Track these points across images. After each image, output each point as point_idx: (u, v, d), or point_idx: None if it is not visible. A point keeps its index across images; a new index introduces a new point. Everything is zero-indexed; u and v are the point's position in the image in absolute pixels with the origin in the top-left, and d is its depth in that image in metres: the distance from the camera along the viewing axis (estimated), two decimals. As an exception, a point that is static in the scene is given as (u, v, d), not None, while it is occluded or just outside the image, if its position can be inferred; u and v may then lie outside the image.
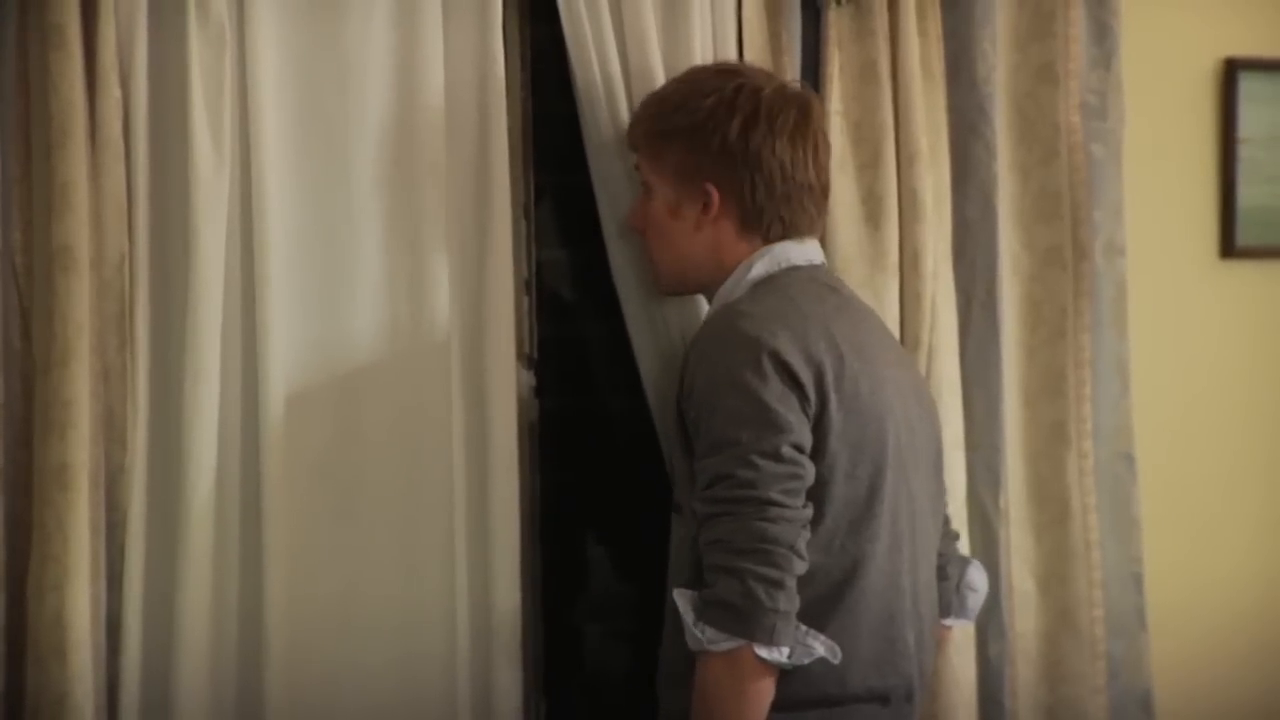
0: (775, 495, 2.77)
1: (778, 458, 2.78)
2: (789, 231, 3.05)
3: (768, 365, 2.82)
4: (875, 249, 3.44)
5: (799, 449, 2.81)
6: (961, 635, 3.46)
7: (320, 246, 3.22)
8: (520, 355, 3.37)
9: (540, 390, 3.47)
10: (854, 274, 3.39)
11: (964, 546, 3.43)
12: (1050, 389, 3.62)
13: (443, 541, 3.24)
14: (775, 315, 2.90)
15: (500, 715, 3.26)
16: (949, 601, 3.23)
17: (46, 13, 2.99)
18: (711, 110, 3.02)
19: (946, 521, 3.29)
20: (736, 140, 3.01)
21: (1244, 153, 3.86)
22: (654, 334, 3.33)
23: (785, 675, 2.82)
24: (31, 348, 3.05)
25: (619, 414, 3.49)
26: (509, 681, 3.26)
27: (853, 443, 2.88)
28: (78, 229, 2.99)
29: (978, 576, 3.28)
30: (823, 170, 3.08)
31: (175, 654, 3.10)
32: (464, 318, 3.27)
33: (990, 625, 3.53)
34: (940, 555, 3.19)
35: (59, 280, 2.99)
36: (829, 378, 2.86)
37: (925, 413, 3.12)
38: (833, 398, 2.86)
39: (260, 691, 3.16)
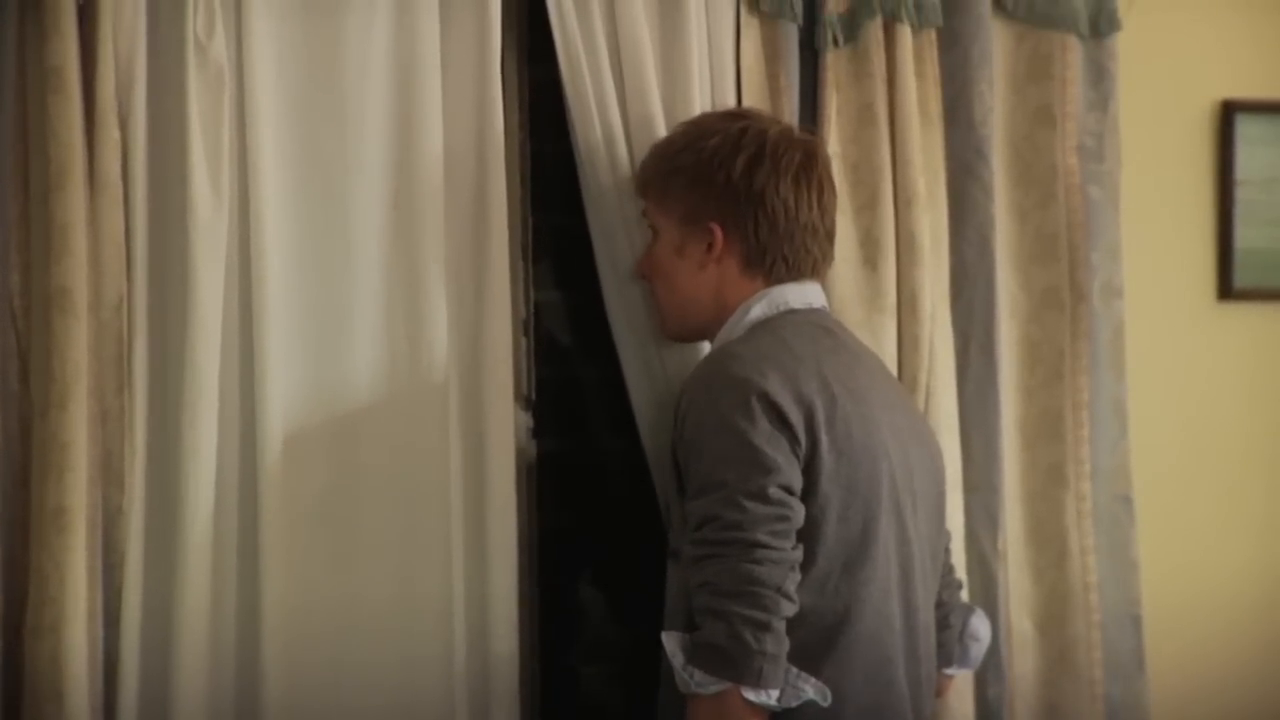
0: (762, 537, 2.76)
1: (765, 499, 2.77)
2: (792, 272, 3.06)
3: (756, 406, 2.82)
4: (873, 290, 3.44)
5: (788, 490, 2.81)
6: (961, 678, 3.45)
7: (318, 288, 3.22)
8: (518, 396, 3.37)
9: (538, 431, 3.47)
10: (851, 315, 3.39)
11: (963, 588, 3.42)
12: (1048, 431, 3.62)
13: (440, 583, 3.23)
14: (766, 356, 2.91)
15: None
16: (951, 650, 3.22)
17: (45, 56, 3.00)
18: (716, 149, 3.05)
19: (950, 570, 3.28)
20: (741, 178, 3.02)
21: (1241, 194, 3.86)
22: (650, 378, 3.34)
23: (778, 718, 2.82)
24: (29, 390, 3.04)
25: (616, 455, 3.48)
26: (506, 723, 3.27)
27: (845, 484, 2.88)
28: (76, 271, 2.99)
29: (981, 626, 3.27)
30: (827, 213, 3.09)
31: (172, 696, 3.09)
32: (462, 359, 3.27)
33: (989, 667, 3.52)
34: (942, 605, 3.18)
35: (57, 322, 2.99)
36: (820, 418, 2.86)
37: (927, 454, 3.12)
38: (824, 439, 2.86)
39: (257, 733, 3.16)
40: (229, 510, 3.16)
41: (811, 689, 2.81)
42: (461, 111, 3.26)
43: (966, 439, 3.54)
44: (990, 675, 3.54)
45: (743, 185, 3.03)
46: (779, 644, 2.76)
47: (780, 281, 3.06)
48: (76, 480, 2.97)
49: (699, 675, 2.77)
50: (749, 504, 2.77)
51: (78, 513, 2.97)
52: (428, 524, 3.24)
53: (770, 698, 2.78)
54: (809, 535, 2.84)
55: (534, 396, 3.45)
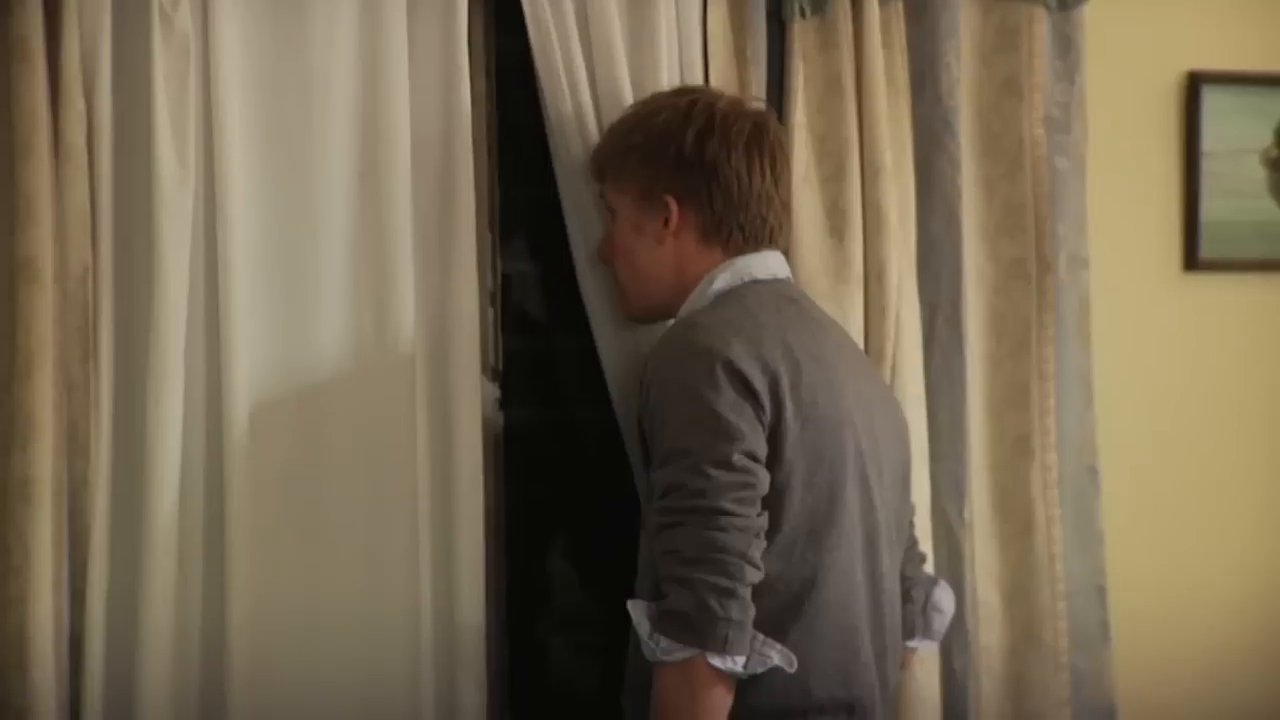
0: (727, 504, 2.76)
1: (729, 466, 2.78)
2: (749, 241, 3.05)
3: (721, 374, 2.82)
4: (839, 261, 3.44)
5: (752, 457, 2.81)
6: (926, 650, 3.46)
7: (284, 258, 3.22)
8: (485, 368, 3.37)
9: (505, 403, 3.47)
10: (818, 287, 3.39)
11: (928, 559, 3.43)
12: (1014, 401, 3.62)
13: (407, 554, 3.24)
14: (730, 325, 2.91)
15: (463, 728, 3.27)
16: (914, 623, 3.21)
17: (10, 25, 3.00)
18: (665, 124, 3.06)
19: (914, 543, 3.28)
20: (692, 150, 3.03)
21: (1207, 166, 3.86)
22: (622, 350, 3.34)
23: (746, 685, 2.82)
24: (-6, 361, 3.04)
25: (584, 426, 3.48)
26: (473, 695, 3.27)
27: (810, 451, 2.88)
28: (41, 241, 2.99)
29: (944, 598, 3.26)
30: (781, 181, 3.09)
31: (138, 667, 3.09)
32: (429, 330, 3.27)
33: (955, 639, 3.52)
34: (906, 578, 3.18)
35: (22, 293, 2.98)
36: (785, 385, 2.86)
37: (892, 425, 3.12)
38: (788, 406, 2.86)
39: (223, 704, 3.15)
40: (195, 482, 3.16)
41: (777, 655, 2.81)
42: (429, 82, 3.26)
43: (933, 409, 3.54)
44: (956, 646, 3.54)
45: (694, 157, 3.03)
46: (744, 611, 2.76)
47: (739, 251, 3.06)
48: (42, 451, 2.97)
49: (665, 643, 2.77)
50: (713, 471, 2.77)
51: (43, 483, 2.97)
52: (395, 495, 3.24)
53: (736, 664, 2.78)
54: (774, 502, 2.84)
55: (501, 368, 3.45)
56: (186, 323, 3.13)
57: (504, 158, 3.44)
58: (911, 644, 3.24)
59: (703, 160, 3.02)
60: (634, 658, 2.97)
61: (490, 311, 3.41)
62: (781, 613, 2.85)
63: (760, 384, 2.84)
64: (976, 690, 3.58)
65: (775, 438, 2.85)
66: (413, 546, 3.23)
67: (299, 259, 3.23)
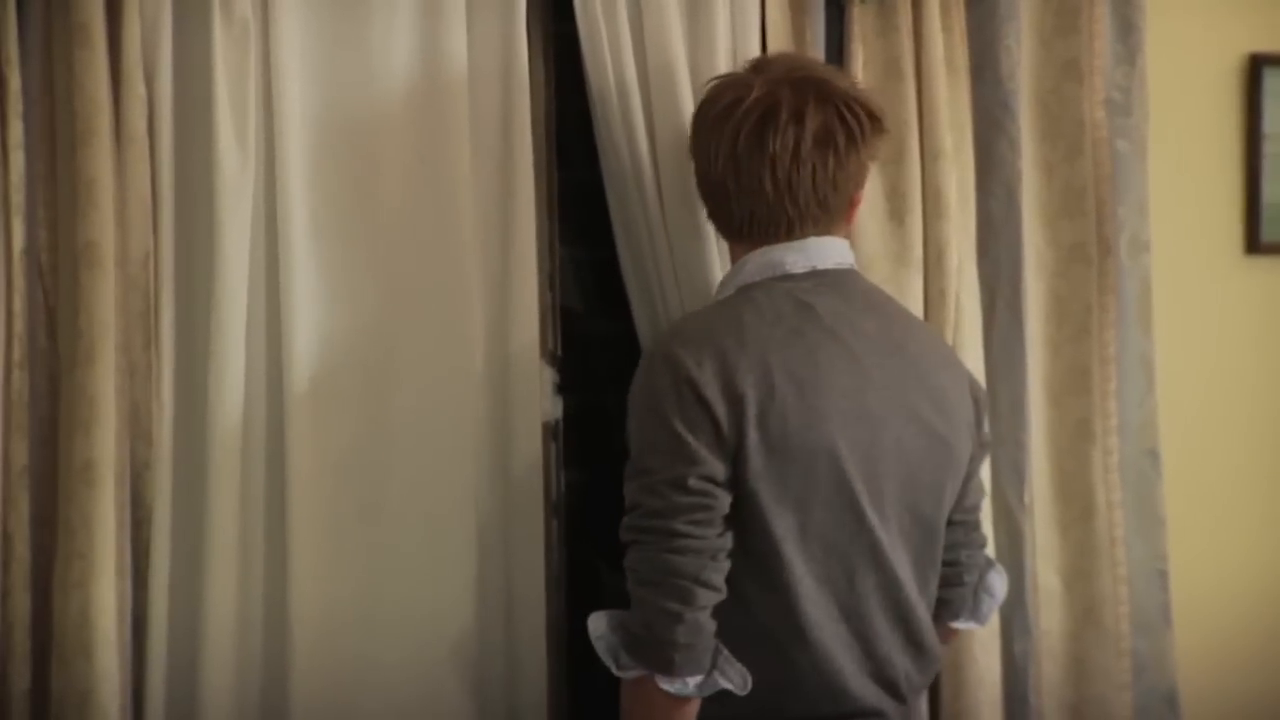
0: (680, 526, 2.75)
1: (685, 489, 2.76)
2: (766, 236, 3.00)
3: (686, 394, 2.80)
4: (899, 245, 3.44)
5: (710, 480, 2.78)
6: (987, 633, 3.46)
7: (344, 242, 3.22)
8: (544, 352, 3.37)
9: (563, 387, 3.47)
10: (878, 270, 3.39)
11: (986, 546, 3.41)
12: (1075, 386, 3.61)
13: (466, 539, 3.25)
14: (709, 340, 2.86)
15: (525, 712, 3.28)
16: (961, 605, 3.18)
17: (72, 11, 3.00)
18: (702, 147, 3.04)
19: (975, 526, 3.22)
20: (711, 168, 3.01)
21: (1268, 148, 3.85)
22: (657, 333, 3.33)
23: (724, 698, 2.82)
24: (57, 345, 3.05)
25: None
26: (534, 678, 3.28)
27: (775, 479, 2.83)
28: (103, 226, 3.00)
29: (998, 582, 3.23)
30: (804, 164, 2.96)
31: (200, 650, 3.11)
32: (488, 314, 3.28)
33: (1015, 622, 3.53)
34: (959, 562, 3.14)
35: (84, 277, 3.00)
36: (750, 413, 2.81)
37: (922, 431, 2.99)
38: (751, 434, 2.80)
39: (285, 688, 3.16)
40: (256, 465, 3.17)
41: (734, 676, 2.82)
42: (487, 66, 3.26)
43: (993, 394, 3.52)
44: (1016, 630, 3.54)
45: (713, 173, 3.01)
46: (693, 634, 2.76)
47: (760, 243, 3.01)
48: (105, 434, 2.98)
49: (623, 658, 2.81)
50: (669, 492, 2.77)
51: (106, 467, 2.98)
52: (454, 479, 3.25)
53: (687, 686, 2.79)
54: (740, 527, 2.82)
55: (560, 352, 3.45)
56: (247, 307, 3.14)
57: (563, 142, 3.44)
58: (956, 624, 3.21)
59: (711, 176, 3.03)
60: None
61: (549, 295, 3.41)
62: (757, 630, 2.85)
63: (721, 409, 2.80)
64: (1037, 674, 3.57)
65: (737, 463, 2.81)
66: (472, 528, 3.24)
67: (359, 243, 3.23)
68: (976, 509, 3.22)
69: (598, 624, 2.85)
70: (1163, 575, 3.65)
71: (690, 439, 2.78)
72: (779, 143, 2.95)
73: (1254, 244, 3.87)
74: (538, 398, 3.29)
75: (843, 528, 2.90)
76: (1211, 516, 3.83)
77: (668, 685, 2.78)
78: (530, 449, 3.29)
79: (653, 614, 2.75)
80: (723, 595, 2.79)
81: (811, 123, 2.95)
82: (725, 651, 2.81)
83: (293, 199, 3.16)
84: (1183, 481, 3.71)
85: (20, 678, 3.00)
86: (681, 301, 3.28)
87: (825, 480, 2.87)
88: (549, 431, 3.39)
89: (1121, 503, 3.62)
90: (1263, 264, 3.87)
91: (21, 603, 3.00)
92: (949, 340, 3.43)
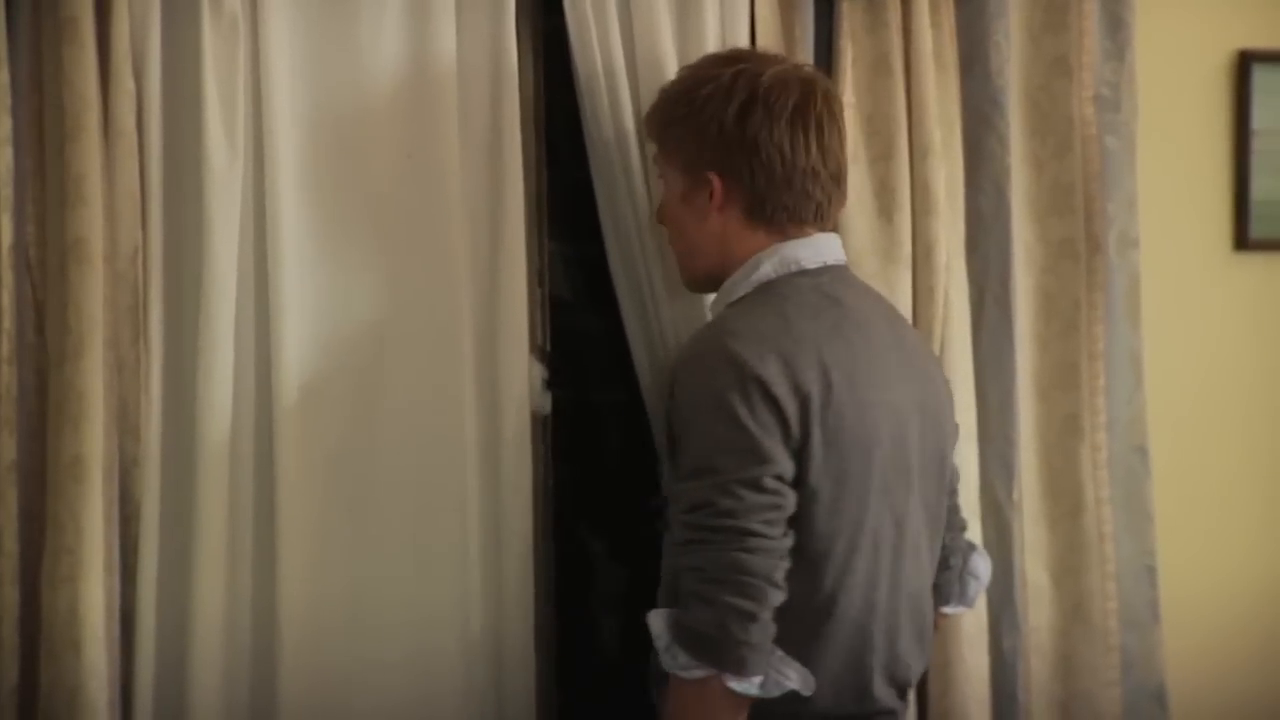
0: (755, 525, 2.75)
1: (759, 488, 2.76)
2: (795, 218, 3.00)
3: (754, 392, 2.79)
4: (888, 242, 3.44)
5: (781, 479, 2.78)
6: (974, 629, 3.46)
7: (333, 238, 3.22)
8: (533, 347, 3.37)
9: (553, 382, 3.47)
10: (866, 267, 3.39)
11: (976, 538, 3.43)
12: (1063, 382, 3.61)
13: (455, 533, 3.25)
14: (766, 338, 2.86)
15: (513, 707, 3.27)
16: (950, 590, 3.20)
17: (60, 7, 3.01)
18: (708, 98, 3.00)
19: (955, 510, 3.25)
20: (733, 126, 2.97)
21: (1257, 145, 3.85)
22: (646, 330, 3.34)
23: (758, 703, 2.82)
24: (45, 341, 3.06)
25: (631, 406, 3.48)
26: (522, 673, 3.28)
27: (834, 475, 2.84)
28: (91, 222, 3.00)
29: (981, 564, 3.25)
30: (829, 154, 3.01)
31: (189, 646, 3.11)
32: (476, 310, 3.27)
33: (1004, 618, 3.53)
34: (944, 546, 3.16)
35: (73, 273, 3.00)
36: (814, 409, 2.82)
37: (931, 421, 3.05)
38: (816, 431, 2.82)
39: (274, 684, 3.16)
40: (245, 461, 3.17)
41: (796, 677, 2.81)
42: (476, 61, 3.26)
43: (981, 390, 3.53)
44: (1005, 626, 3.54)
45: (735, 134, 2.97)
46: (764, 633, 2.76)
47: (784, 229, 3.01)
48: (93, 430, 2.98)
49: (683, 658, 2.77)
50: (743, 492, 2.75)
51: (94, 462, 2.99)
52: (443, 475, 3.25)
53: (752, 685, 2.77)
54: (798, 524, 2.82)
55: (549, 347, 3.45)
56: (236, 303, 3.14)
57: (552, 137, 3.43)
58: (946, 609, 3.22)
59: (744, 137, 2.97)
60: (655, 657, 2.94)
61: (538, 290, 3.41)
62: (800, 631, 2.84)
63: (790, 407, 2.80)
64: (1025, 670, 3.58)
65: (801, 460, 2.82)
66: (461, 524, 3.24)
67: (348, 239, 3.23)
68: (955, 491, 3.26)
69: (657, 622, 2.82)
70: (1151, 571, 3.65)
71: (763, 438, 2.77)
72: (823, 125, 3.00)
73: (1243, 240, 3.86)
74: (527, 393, 3.29)
75: (888, 522, 2.93)
76: (1200, 513, 3.83)
77: (736, 685, 2.76)
78: (519, 444, 3.28)
79: (726, 612, 2.73)
80: (785, 596, 2.78)
81: (828, 106, 3.04)
82: (780, 651, 2.81)
83: (282, 194, 3.16)
84: (1171, 478, 3.71)
85: (9, 673, 3.01)
86: (669, 297, 3.28)
87: (876, 474, 2.90)
88: (538, 426, 3.39)
89: (1110, 499, 3.62)
90: (1251, 260, 3.87)
91: (10, 598, 3.01)
92: (938, 337, 3.44)
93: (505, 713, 3.29)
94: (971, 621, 3.42)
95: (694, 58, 3.27)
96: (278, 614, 3.16)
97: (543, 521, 3.40)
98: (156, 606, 3.11)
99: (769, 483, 2.76)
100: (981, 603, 3.44)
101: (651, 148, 3.19)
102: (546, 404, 3.45)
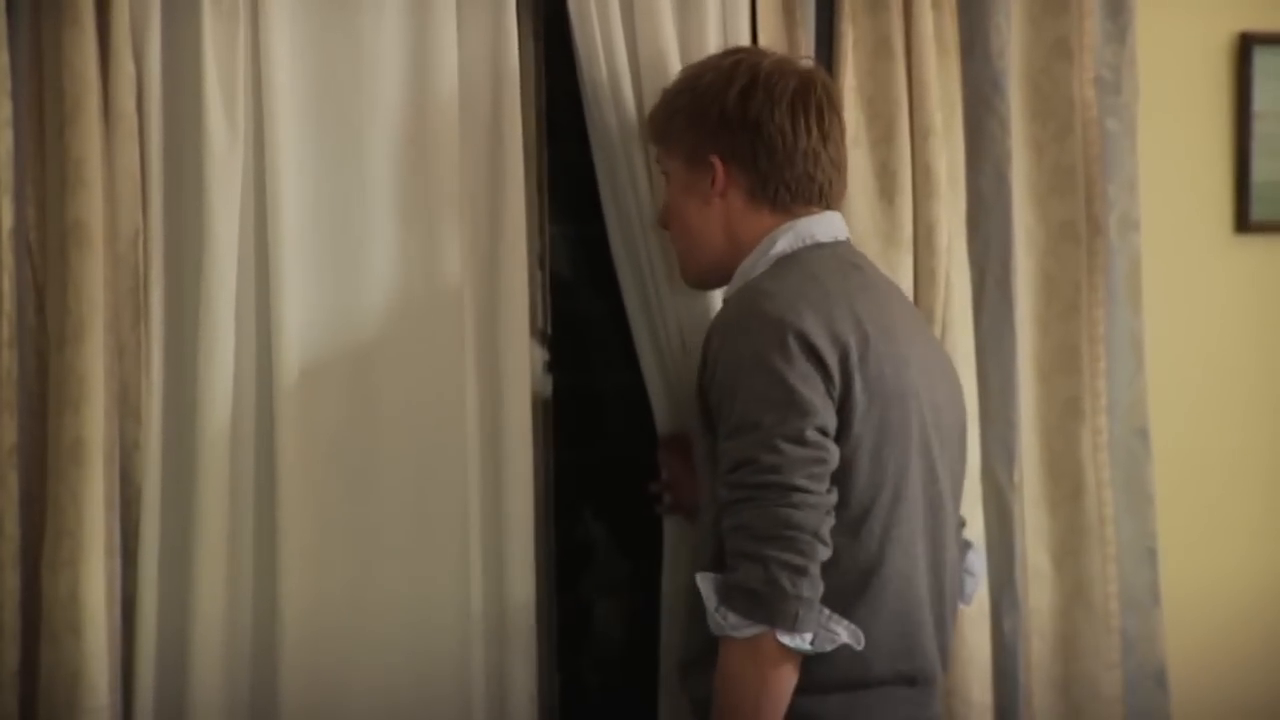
0: (800, 481, 2.74)
1: (803, 442, 2.76)
2: (798, 199, 3.02)
3: (793, 346, 2.79)
4: (889, 224, 3.44)
5: (824, 432, 2.78)
6: (976, 611, 3.46)
7: (334, 222, 3.21)
8: (534, 330, 3.37)
9: (554, 365, 3.47)
10: (868, 249, 3.37)
11: (978, 522, 3.43)
12: (1064, 364, 3.61)
13: (457, 516, 3.24)
14: (800, 294, 2.87)
15: (515, 691, 3.27)
16: None
17: (61, -11, 3.00)
18: (710, 83, 3.03)
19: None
20: (735, 108, 2.99)
21: (1258, 127, 3.85)
22: (648, 315, 3.33)
23: (809, 659, 2.81)
24: (46, 324, 3.05)
25: (632, 389, 3.47)
26: (523, 658, 3.28)
27: (877, 425, 2.85)
28: (91, 205, 2.99)
29: (976, 561, 3.24)
30: (830, 139, 3.04)
31: (189, 629, 3.11)
32: (478, 293, 3.27)
33: (1005, 600, 3.53)
34: None
35: (73, 256, 2.99)
36: (854, 358, 2.83)
37: (951, 391, 3.10)
38: (857, 380, 2.83)
39: (275, 669, 3.16)
40: (245, 444, 3.17)
41: (845, 632, 2.81)
42: (477, 45, 3.25)
43: (983, 373, 3.54)
44: (1006, 608, 3.54)
45: (737, 115, 3.00)
46: (814, 588, 2.75)
47: (789, 209, 3.02)
48: (93, 413, 2.98)
49: (733, 618, 2.76)
50: (786, 447, 2.75)
51: (95, 445, 2.98)
52: (444, 458, 3.24)
53: (804, 641, 2.77)
54: (842, 478, 2.82)
55: (550, 331, 3.45)
56: (236, 287, 3.13)
57: (553, 118, 3.43)
58: None
59: (745, 118, 2.99)
60: (695, 627, 2.95)
61: (539, 274, 3.41)
62: (847, 588, 2.83)
63: (831, 357, 2.81)
64: (1026, 652, 3.58)
65: (843, 412, 2.82)
66: (462, 507, 3.24)
67: (348, 222, 3.22)
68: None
69: (705, 585, 2.82)
70: (1152, 554, 3.65)
71: (804, 390, 2.77)
72: (823, 110, 3.03)
73: (1243, 223, 3.86)
74: (528, 376, 3.28)
75: (927, 480, 2.94)
76: (1201, 496, 3.83)
77: (788, 640, 2.75)
78: (520, 428, 3.28)
79: (776, 568, 2.72)
80: (831, 551, 2.78)
81: (827, 94, 3.06)
82: (827, 610, 2.81)
83: (282, 176, 3.16)
84: (1172, 460, 3.71)
85: (9, 656, 3.01)
86: (671, 280, 3.28)
87: (915, 427, 2.91)
88: (539, 410, 3.39)
89: (1111, 481, 3.62)
90: (1252, 243, 3.87)
91: (10, 581, 3.00)
92: (939, 319, 3.44)
93: (507, 696, 3.28)
94: (973, 604, 3.42)
95: (695, 35, 3.30)
96: (279, 597, 3.16)
97: (543, 505, 3.40)
98: (157, 590, 3.10)
99: (812, 435, 2.76)
100: (983, 585, 3.44)
101: (642, 140, 3.21)
102: (548, 387, 3.45)
